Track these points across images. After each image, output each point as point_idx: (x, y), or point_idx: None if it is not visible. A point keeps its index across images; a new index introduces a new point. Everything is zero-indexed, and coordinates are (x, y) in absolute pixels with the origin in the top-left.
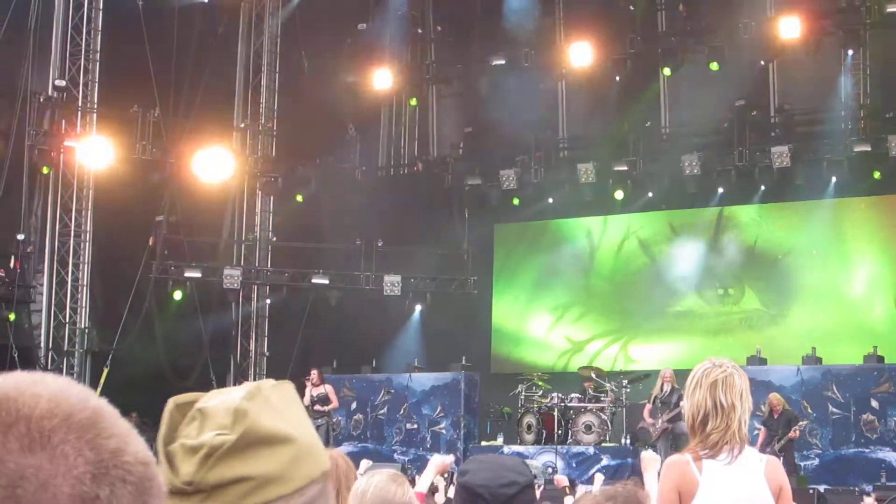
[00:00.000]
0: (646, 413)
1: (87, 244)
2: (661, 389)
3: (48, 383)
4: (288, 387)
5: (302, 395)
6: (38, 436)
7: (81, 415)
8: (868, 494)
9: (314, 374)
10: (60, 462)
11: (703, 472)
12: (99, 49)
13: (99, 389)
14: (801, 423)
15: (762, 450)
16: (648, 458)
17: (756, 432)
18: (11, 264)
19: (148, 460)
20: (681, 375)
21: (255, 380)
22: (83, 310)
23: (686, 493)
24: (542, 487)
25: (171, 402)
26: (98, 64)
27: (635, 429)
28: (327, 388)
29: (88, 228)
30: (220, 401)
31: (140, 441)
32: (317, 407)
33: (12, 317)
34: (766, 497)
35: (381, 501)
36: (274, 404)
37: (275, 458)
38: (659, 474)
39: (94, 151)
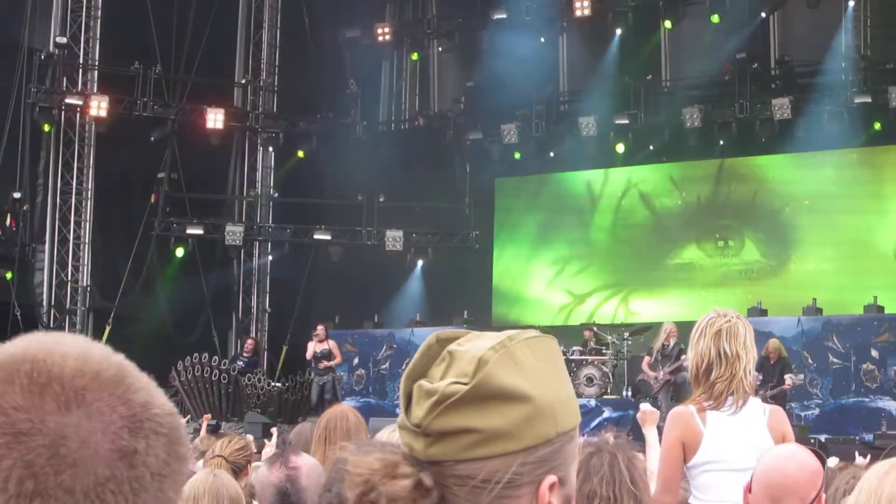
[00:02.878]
0: (645, 365)
1: (89, 202)
2: (665, 344)
3: (70, 343)
4: (546, 341)
5: (305, 351)
6: (73, 395)
7: (108, 371)
8: (866, 445)
9: (320, 329)
10: (97, 419)
11: (707, 424)
12: (100, 6)
13: None
14: (794, 375)
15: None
16: (647, 411)
17: (757, 383)
18: (8, 222)
19: (173, 411)
20: (682, 328)
21: (257, 336)
22: (85, 268)
23: (690, 444)
24: None
25: (433, 337)
26: (99, 21)
27: (636, 381)
28: (331, 344)
29: (90, 186)
30: (471, 346)
31: (161, 392)
32: (323, 363)
33: (10, 275)
34: (769, 447)
35: None
36: (520, 359)
37: (506, 413)
38: (660, 427)
39: (96, 108)
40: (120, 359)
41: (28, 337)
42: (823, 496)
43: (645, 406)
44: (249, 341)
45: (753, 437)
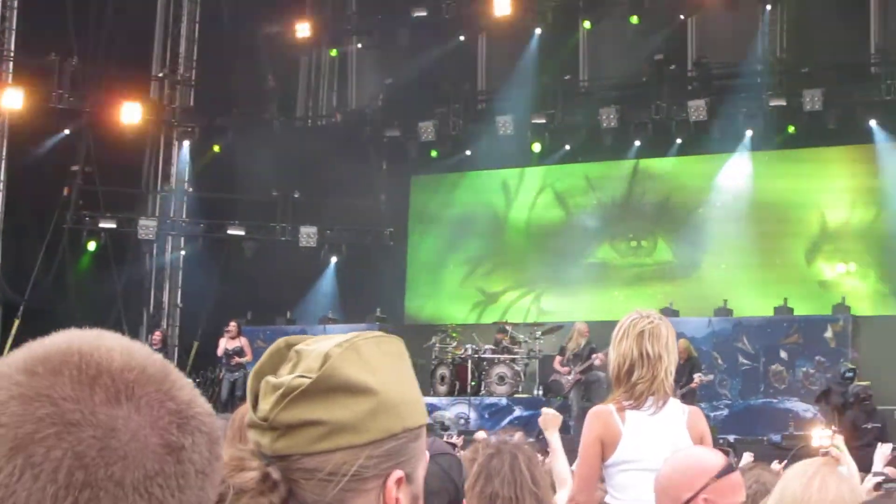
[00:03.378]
0: (557, 365)
1: (1, 193)
2: (578, 343)
3: (112, 338)
4: (394, 341)
5: (216, 347)
6: (123, 387)
7: (154, 367)
8: (774, 446)
9: (232, 325)
10: (146, 412)
11: (627, 423)
12: None
13: (10, 341)
14: (703, 375)
15: None
16: (549, 416)
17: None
18: None
19: (212, 412)
20: (594, 327)
21: (169, 332)
22: None
23: (609, 443)
24: (454, 437)
25: (282, 340)
26: (15, 11)
27: (548, 381)
28: (243, 341)
29: (2, 178)
30: (319, 345)
31: (199, 393)
32: (235, 360)
33: None
34: (687, 446)
35: None
36: (365, 355)
37: (351, 406)
38: (571, 427)
39: (10, 99)
40: (161, 357)
41: (67, 332)
42: (703, 498)
43: (547, 410)
44: (157, 334)
45: (672, 437)
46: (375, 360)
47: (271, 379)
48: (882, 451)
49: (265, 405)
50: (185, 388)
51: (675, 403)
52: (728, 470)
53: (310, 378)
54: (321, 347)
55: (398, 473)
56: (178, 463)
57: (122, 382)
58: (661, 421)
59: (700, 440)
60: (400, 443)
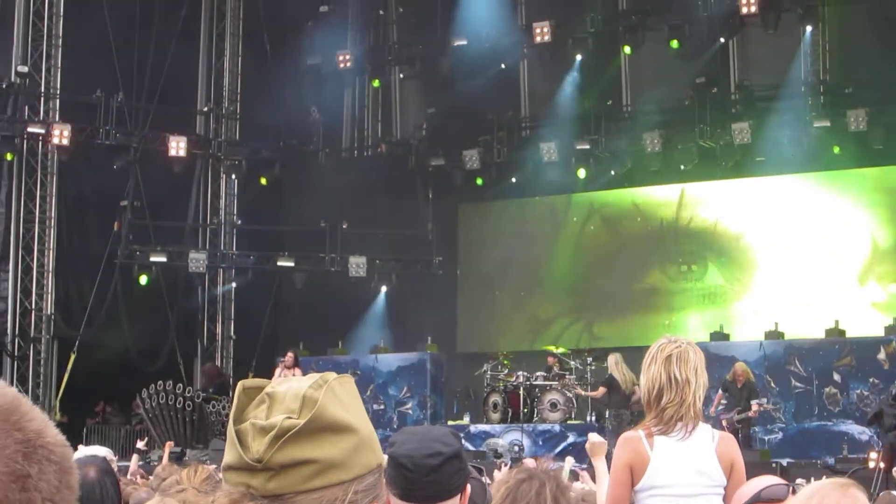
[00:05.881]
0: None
1: (52, 230)
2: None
3: None
4: (350, 381)
5: (272, 377)
6: None
7: (3, 399)
8: (828, 468)
9: (290, 356)
10: None
11: (655, 449)
12: (61, 34)
13: (66, 375)
14: (762, 402)
15: (720, 414)
16: (596, 443)
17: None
18: None
19: (64, 443)
20: (642, 353)
21: (222, 363)
22: (49, 296)
23: (637, 468)
24: (508, 465)
25: (240, 386)
26: (60, 49)
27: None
28: (297, 372)
29: (53, 214)
30: (288, 387)
31: (54, 426)
32: None
33: None
34: (716, 474)
35: None
36: (339, 395)
37: (339, 444)
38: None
39: (58, 137)
40: (14, 391)
41: None
42: None
43: (594, 437)
44: (204, 367)
45: (700, 463)
46: (347, 399)
47: (258, 422)
48: None
49: (258, 446)
50: (36, 420)
51: (704, 429)
52: (755, 499)
53: (299, 418)
54: (295, 389)
55: None
56: (24, 491)
57: None
58: (690, 447)
59: (730, 467)
60: (375, 477)
